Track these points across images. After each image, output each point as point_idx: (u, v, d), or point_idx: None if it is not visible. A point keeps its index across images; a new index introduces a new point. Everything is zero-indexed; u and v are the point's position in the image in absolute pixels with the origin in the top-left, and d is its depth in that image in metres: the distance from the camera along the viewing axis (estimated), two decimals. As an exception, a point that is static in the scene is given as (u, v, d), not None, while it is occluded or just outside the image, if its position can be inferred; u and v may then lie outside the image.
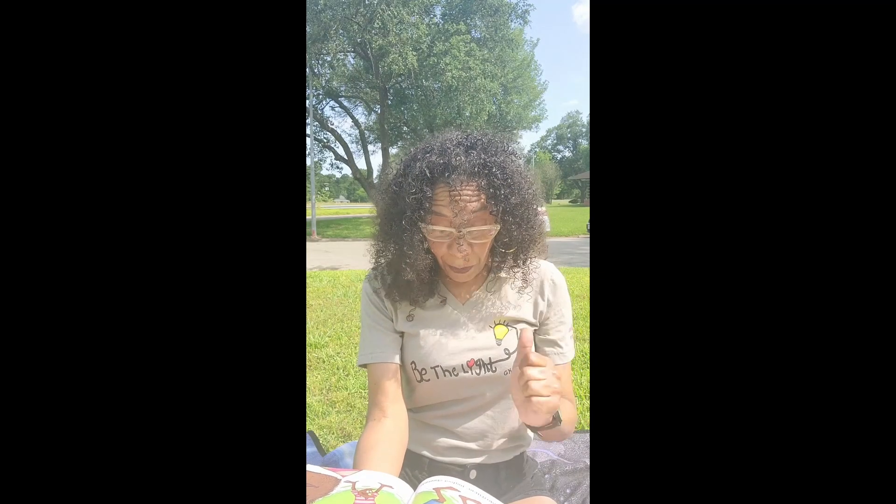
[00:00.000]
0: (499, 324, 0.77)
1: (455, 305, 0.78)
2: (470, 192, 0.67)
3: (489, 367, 0.75)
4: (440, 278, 0.80)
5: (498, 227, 0.69)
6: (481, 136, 0.73)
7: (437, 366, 0.75)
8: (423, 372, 0.76)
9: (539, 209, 0.76)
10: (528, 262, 0.76)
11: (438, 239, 0.70)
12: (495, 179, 0.67)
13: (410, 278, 0.72)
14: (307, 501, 0.49)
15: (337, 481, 0.54)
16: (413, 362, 0.76)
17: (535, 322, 0.79)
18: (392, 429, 0.72)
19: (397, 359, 0.77)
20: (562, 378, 0.78)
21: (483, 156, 0.68)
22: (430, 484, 0.55)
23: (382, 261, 0.77)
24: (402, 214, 0.69)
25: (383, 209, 0.74)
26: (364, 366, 0.79)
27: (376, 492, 0.53)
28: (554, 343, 0.80)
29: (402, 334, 0.79)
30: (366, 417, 0.78)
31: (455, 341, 0.76)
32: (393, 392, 0.75)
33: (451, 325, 0.77)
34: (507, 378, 0.76)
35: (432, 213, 0.68)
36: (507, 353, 0.76)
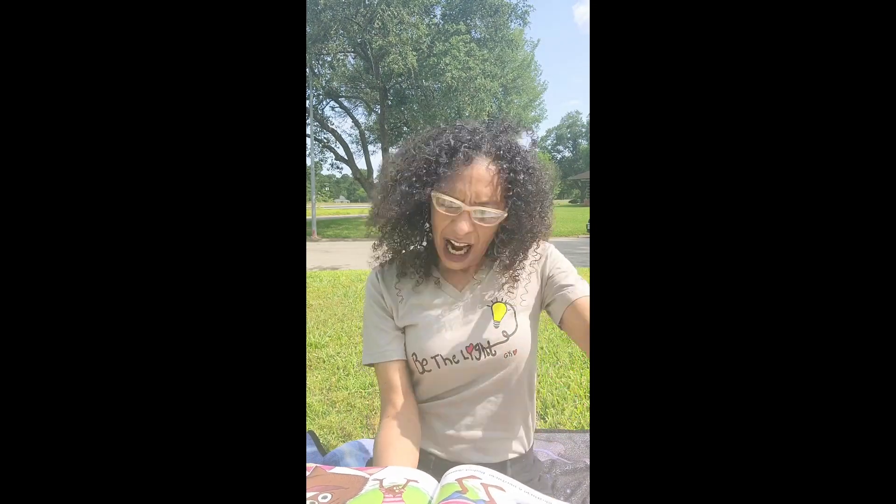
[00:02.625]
0: (497, 302, 0.77)
1: (453, 294, 0.79)
2: (484, 174, 0.68)
3: (489, 350, 0.76)
4: (438, 266, 0.81)
5: (505, 214, 0.70)
6: (509, 121, 0.75)
7: (437, 355, 0.75)
8: (425, 363, 0.76)
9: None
10: (528, 251, 0.77)
11: (445, 210, 0.70)
12: (517, 165, 0.69)
13: (408, 245, 0.73)
14: (339, 503, 0.50)
15: (364, 480, 0.55)
16: (414, 354, 0.77)
17: (530, 300, 0.80)
18: (406, 423, 0.74)
19: (402, 355, 0.78)
20: (582, 310, 0.76)
21: (509, 140, 0.71)
22: (452, 475, 0.56)
23: (385, 232, 0.77)
24: (414, 175, 0.70)
25: (393, 173, 0.74)
26: (370, 365, 0.80)
27: (403, 488, 0.53)
28: (566, 286, 0.78)
29: (403, 330, 0.79)
30: (380, 414, 0.80)
31: (453, 329, 0.76)
32: (403, 387, 0.77)
33: (449, 315, 0.77)
34: (507, 362, 0.76)
35: (446, 182, 0.69)
36: (505, 336, 0.76)
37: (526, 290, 0.80)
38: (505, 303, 0.77)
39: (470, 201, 0.69)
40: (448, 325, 0.77)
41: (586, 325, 0.77)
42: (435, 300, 0.78)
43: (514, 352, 0.76)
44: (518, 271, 0.78)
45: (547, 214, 0.75)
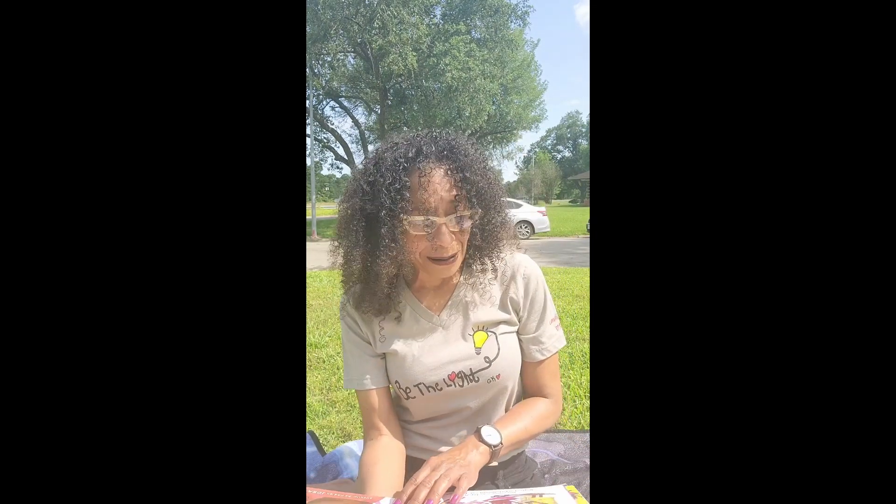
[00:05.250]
0: (478, 330, 0.76)
1: (429, 318, 0.77)
2: (443, 178, 0.67)
3: (471, 377, 0.75)
4: (411, 291, 0.79)
5: (479, 211, 0.69)
6: (442, 132, 0.74)
7: (420, 383, 0.75)
8: (408, 390, 0.76)
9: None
10: (500, 254, 0.75)
11: (420, 230, 0.68)
12: (461, 162, 0.68)
13: (389, 273, 0.70)
14: None
15: None
16: (397, 381, 0.76)
17: (511, 318, 0.78)
18: (389, 443, 0.75)
19: (383, 382, 0.77)
20: (542, 370, 0.79)
21: (449, 141, 0.71)
22: None
23: (352, 272, 0.75)
24: (381, 208, 0.67)
25: (356, 209, 0.70)
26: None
27: None
28: (536, 340, 0.78)
29: (383, 356, 0.78)
30: (364, 437, 0.79)
31: (434, 356, 0.75)
32: (385, 412, 0.77)
33: (428, 341, 0.76)
34: (491, 387, 0.76)
35: (412, 203, 0.67)
36: (487, 362, 0.75)
37: (503, 308, 0.78)
38: (486, 330, 0.76)
39: (441, 211, 0.67)
40: (428, 352, 0.75)
41: (539, 384, 0.80)
42: (413, 327, 0.77)
43: (498, 376, 0.75)
44: (496, 263, 0.76)
45: (502, 207, 0.73)
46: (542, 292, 0.79)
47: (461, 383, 0.75)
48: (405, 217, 0.67)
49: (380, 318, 0.78)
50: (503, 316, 0.77)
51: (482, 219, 0.71)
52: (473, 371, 0.75)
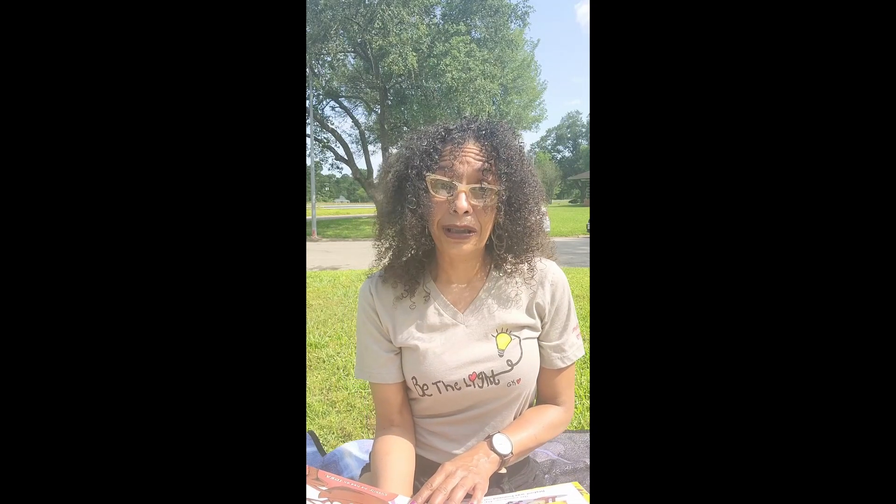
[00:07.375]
0: (501, 332, 0.76)
1: (453, 315, 0.77)
2: (476, 151, 0.70)
3: (492, 379, 0.74)
4: (437, 286, 0.78)
5: (501, 189, 0.70)
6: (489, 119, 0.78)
7: (439, 381, 0.74)
8: (425, 387, 0.75)
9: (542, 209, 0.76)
10: (531, 257, 0.76)
11: (440, 193, 0.69)
12: (497, 141, 0.71)
13: (413, 231, 0.71)
14: None
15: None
16: (414, 377, 0.75)
17: (535, 323, 0.78)
18: (401, 435, 0.75)
19: (397, 377, 0.77)
20: (560, 378, 0.80)
21: (489, 126, 0.74)
22: None
23: (385, 237, 0.76)
24: (411, 168, 0.71)
25: (392, 171, 0.75)
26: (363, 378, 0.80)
27: None
28: (559, 348, 0.79)
29: (400, 350, 0.78)
30: (376, 426, 0.80)
31: (455, 355, 0.74)
32: (398, 404, 0.77)
33: (450, 338, 0.75)
34: (511, 390, 0.75)
35: (440, 165, 0.70)
36: (509, 365, 0.74)
37: (529, 312, 0.78)
38: (509, 333, 0.76)
39: (465, 179, 0.69)
40: (450, 349, 0.74)
41: (555, 392, 0.81)
42: (435, 322, 0.76)
43: (518, 381, 0.75)
44: (532, 265, 0.76)
45: (537, 202, 0.74)
46: (567, 300, 0.80)
47: (481, 384, 0.74)
48: (428, 174, 0.70)
49: (402, 306, 0.77)
50: (528, 320, 0.77)
51: (516, 214, 0.71)
52: (495, 373, 0.74)
